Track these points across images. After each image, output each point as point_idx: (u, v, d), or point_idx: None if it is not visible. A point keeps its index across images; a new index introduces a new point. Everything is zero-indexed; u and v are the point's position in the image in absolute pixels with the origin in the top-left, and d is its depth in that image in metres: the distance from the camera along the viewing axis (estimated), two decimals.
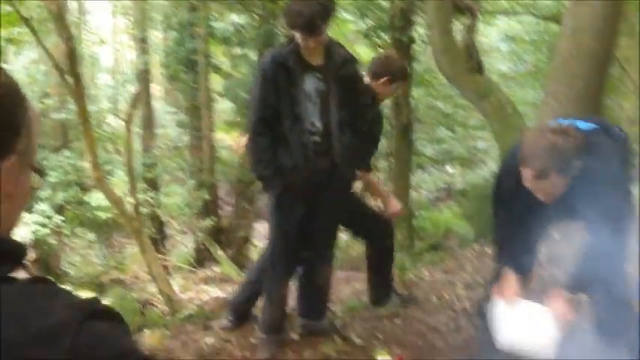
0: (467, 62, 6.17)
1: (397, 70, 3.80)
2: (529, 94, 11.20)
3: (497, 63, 12.48)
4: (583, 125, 2.60)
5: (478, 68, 6.03)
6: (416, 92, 9.95)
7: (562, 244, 4.26)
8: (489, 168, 11.84)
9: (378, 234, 3.94)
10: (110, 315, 0.87)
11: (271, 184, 3.26)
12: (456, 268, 5.19)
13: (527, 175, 2.46)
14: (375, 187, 4.15)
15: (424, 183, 13.60)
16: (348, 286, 5.11)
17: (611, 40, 5.24)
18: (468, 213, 8.29)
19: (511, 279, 2.76)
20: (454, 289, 4.49)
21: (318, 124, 3.20)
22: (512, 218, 2.78)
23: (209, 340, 3.71)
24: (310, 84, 3.17)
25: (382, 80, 3.70)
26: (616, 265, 2.76)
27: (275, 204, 3.32)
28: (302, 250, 3.45)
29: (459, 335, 3.63)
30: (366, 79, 3.74)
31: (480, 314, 3.28)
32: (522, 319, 2.70)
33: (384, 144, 10.67)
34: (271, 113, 3.16)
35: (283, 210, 3.30)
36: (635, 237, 2.84)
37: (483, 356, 3.13)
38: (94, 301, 0.87)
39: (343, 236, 7.70)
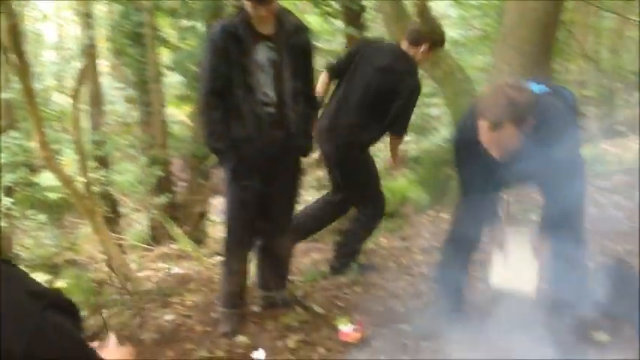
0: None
1: (438, 35, 3.80)
2: (479, 60, 11.29)
3: (447, 29, 12.51)
4: (535, 87, 2.65)
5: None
6: None
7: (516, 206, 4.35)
8: (442, 135, 11.95)
9: (372, 201, 4.00)
10: (70, 309, 0.85)
11: (225, 157, 3.21)
12: (413, 234, 5.25)
13: (482, 128, 2.51)
14: (396, 149, 4.19)
15: (379, 152, 13.63)
16: (307, 256, 5.12)
17: (558, 4, 5.30)
18: (422, 180, 8.35)
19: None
20: (411, 255, 4.54)
21: (272, 94, 3.15)
22: (471, 174, 2.82)
23: (169, 316, 3.68)
24: (262, 53, 3.11)
25: (423, 47, 3.71)
26: (574, 224, 2.84)
27: (230, 177, 3.27)
28: (260, 222, 3.43)
29: (418, 299, 3.68)
30: (404, 47, 3.74)
31: (437, 278, 3.33)
32: (510, 261, 2.87)
33: None
34: (222, 84, 3.09)
35: (239, 183, 3.26)
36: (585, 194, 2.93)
37: (441, 319, 3.18)
38: (57, 292, 0.85)
39: (301, 207, 7.70)
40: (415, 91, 3.80)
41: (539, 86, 2.72)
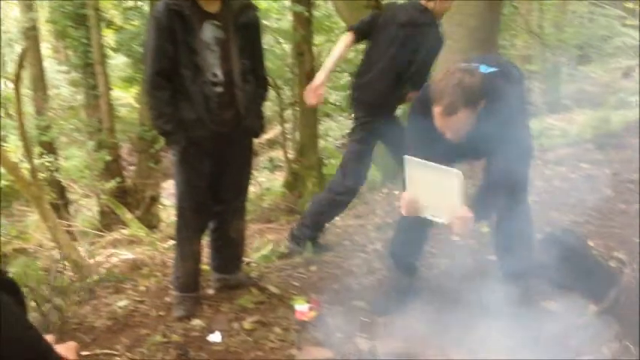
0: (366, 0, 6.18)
1: None
2: None
3: None
4: (484, 69, 2.69)
5: (377, 4, 6.04)
6: (317, 39, 9.87)
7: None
8: None
9: (355, 175, 4.08)
10: (13, 288, 0.84)
11: (174, 139, 3.15)
12: (367, 211, 5.28)
13: (437, 113, 2.54)
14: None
15: (331, 130, 13.67)
16: (261, 237, 5.11)
17: None
18: (374, 157, 8.40)
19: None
20: (366, 233, 4.57)
21: (220, 74, 3.09)
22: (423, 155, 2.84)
23: (122, 302, 3.62)
24: (208, 32, 3.05)
25: None
26: (519, 196, 2.90)
27: (180, 159, 3.22)
28: (213, 205, 3.39)
29: (372, 276, 3.71)
30: (423, 2, 3.76)
31: (392, 255, 3.37)
32: (429, 180, 2.73)
33: (287, 93, 10.62)
34: (168, 65, 3.03)
35: (189, 165, 3.21)
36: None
37: (396, 295, 3.22)
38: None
39: (253, 188, 7.68)
40: (437, 43, 3.87)
41: (487, 67, 2.76)
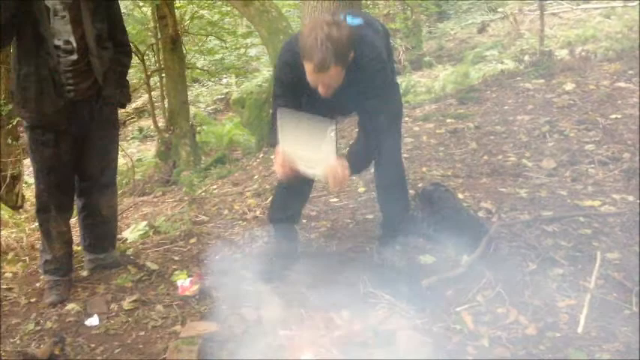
0: None
1: None
2: None
3: None
4: (350, 20, 2.69)
5: None
6: (178, 2, 9.55)
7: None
8: (263, 75, 11.94)
9: None
10: None
11: (26, 113, 2.94)
12: (245, 178, 5.23)
13: (308, 70, 2.51)
14: None
15: (201, 96, 13.39)
16: (136, 211, 4.92)
17: None
18: (247, 122, 8.32)
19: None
20: (244, 200, 4.52)
21: (72, 41, 2.89)
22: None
23: None
24: None
25: None
26: (391, 148, 2.97)
27: (34, 135, 3.00)
28: (76, 182, 3.21)
29: (254, 244, 3.67)
30: None
31: (271, 219, 3.35)
32: (302, 131, 2.71)
33: (151, 59, 10.22)
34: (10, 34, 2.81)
35: (46, 141, 3.00)
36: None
37: (279, 261, 3.21)
38: None
39: (122, 159, 7.37)
40: None
41: (354, 19, 2.76)
